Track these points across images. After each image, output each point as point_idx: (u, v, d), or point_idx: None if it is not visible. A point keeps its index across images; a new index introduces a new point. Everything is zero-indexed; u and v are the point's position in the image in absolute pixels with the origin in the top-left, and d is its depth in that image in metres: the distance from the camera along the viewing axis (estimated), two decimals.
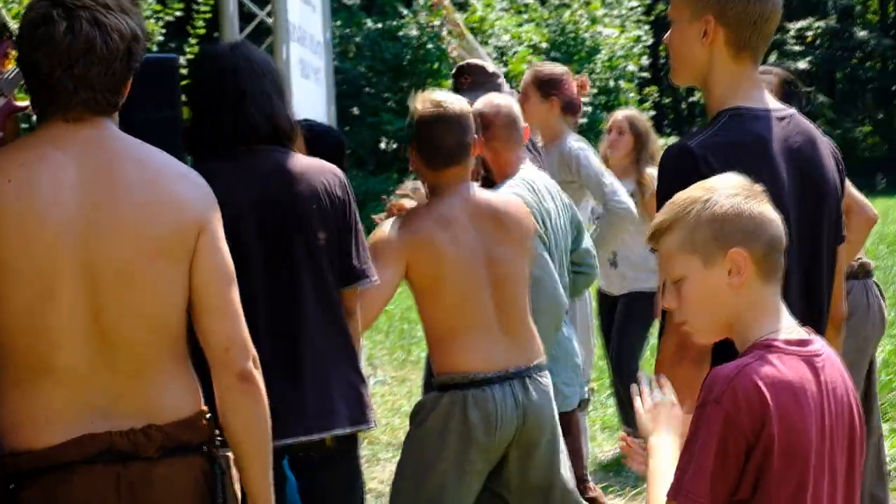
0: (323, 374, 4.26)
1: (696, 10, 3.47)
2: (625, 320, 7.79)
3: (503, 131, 5.55)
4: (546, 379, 4.91)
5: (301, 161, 4.31)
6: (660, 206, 3.14)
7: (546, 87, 6.84)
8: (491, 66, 6.79)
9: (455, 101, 4.89)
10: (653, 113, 21.04)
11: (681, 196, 2.98)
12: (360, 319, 4.54)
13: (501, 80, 6.78)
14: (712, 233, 2.91)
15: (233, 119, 4.22)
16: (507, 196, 5.14)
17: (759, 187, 2.94)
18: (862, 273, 6.10)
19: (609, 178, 6.72)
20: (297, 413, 4.16)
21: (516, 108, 5.70)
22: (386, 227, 4.81)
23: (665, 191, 3.18)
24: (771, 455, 2.76)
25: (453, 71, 7.09)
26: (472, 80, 6.66)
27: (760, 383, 2.78)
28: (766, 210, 2.91)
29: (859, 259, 6.03)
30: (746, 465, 2.78)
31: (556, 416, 4.97)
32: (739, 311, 2.94)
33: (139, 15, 3.35)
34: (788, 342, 2.89)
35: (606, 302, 7.98)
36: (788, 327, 2.94)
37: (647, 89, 21.04)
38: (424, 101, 4.86)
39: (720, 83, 3.50)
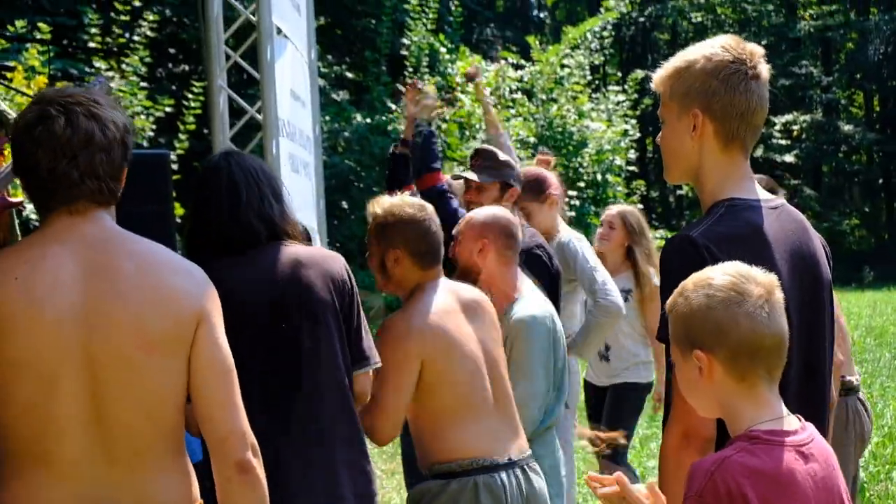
0: (332, 460, 4.30)
1: (683, 105, 3.54)
2: (615, 410, 7.81)
3: (502, 241, 5.61)
4: (538, 469, 4.96)
5: (305, 251, 4.40)
6: (664, 296, 3.20)
7: (537, 190, 6.92)
8: (503, 156, 6.83)
9: (427, 205, 4.99)
10: (640, 206, 21.13)
11: (682, 284, 3.05)
12: (381, 429, 4.66)
13: (516, 171, 6.80)
14: (683, 330, 3.01)
15: (234, 227, 4.33)
16: (471, 287, 5.20)
17: (756, 289, 2.96)
18: (843, 391, 6.13)
19: (602, 276, 6.77)
20: (305, 496, 4.21)
21: (514, 224, 5.73)
22: (390, 338, 4.79)
23: (671, 282, 3.21)
24: None
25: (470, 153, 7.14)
26: (481, 163, 6.75)
27: (740, 475, 2.82)
28: (739, 314, 2.93)
29: (843, 377, 6.08)
30: None
31: None
32: (722, 401, 3.00)
33: (124, 111, 3.48)
34: (773, 432, 2.92)
35: (594, 393, 8.00)
36: (777, 418, 2.97)
37: (634, 183, 21.08)
38: (405, 205, 4.92)
39: (712, 176, 3.55)
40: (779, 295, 3.00)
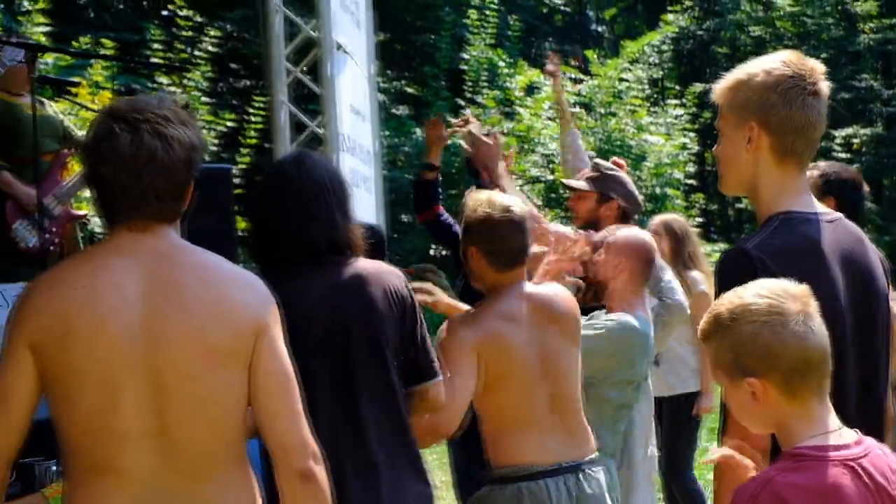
0: (394, 474, 4.31)
1: (740, 118, 3.53)
2: (673, 426, 7.79)
3: (638, 267, 5.69)
4: (600, 473, 4.94)
5: (365, 266, 4.39)
6: None
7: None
8: (610, 169, 6.86)
9: (520, 205, 4.98)
10: (700, 219, 21.03)
11: (716, 307, 3.03)
12: (445, 421, 4.66)
13: (621, 184, 6.81)
14: (731, 358, 2.98)
15: (296, 239, 4.32)
16: (555, 288, 5.19)
17: (793, 304, 2.94)
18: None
19: (668, 275, 6.76)
20: None
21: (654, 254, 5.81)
22: (451, 328, 4.85)
23: (724, 292, 3.18)
24: None
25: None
26: (587, 172, 6.84)
27: (784, 493, 2.82)
28: (785, 335, 2.90)
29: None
30: None
31: None
32: (775, 420, 2.98)
33: (196, 126, 3.47)
34: (818, 448, 2.91)
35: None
36: (825, 432, 2.94)
37: (693, 196, 20.97)
38: (491, 203, 4.92)
39: (767, 189, 3.53)
40: (814, 304, 2.97)
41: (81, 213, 7.98)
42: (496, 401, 4.81)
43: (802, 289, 2.98)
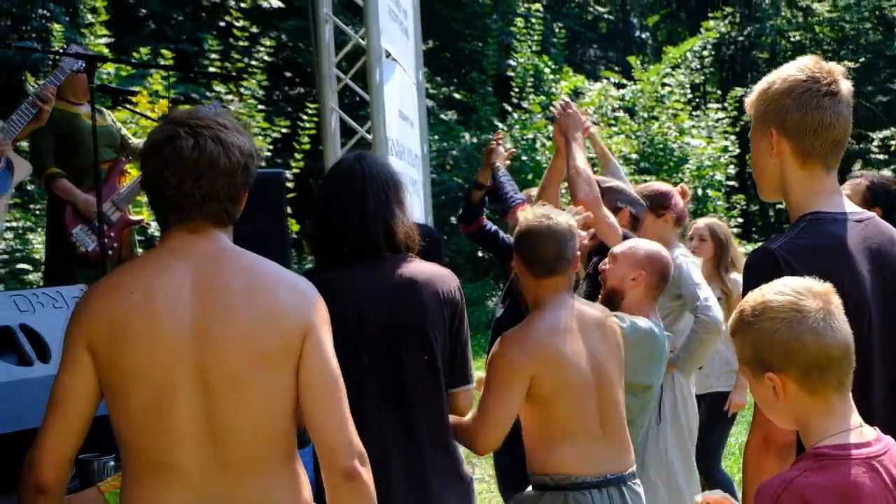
0: (435, 473, 4.32)
1: (762, 126, 3.56)
2: (709, 421, 7.75)
3: (655, 280, 5.65)
4: (639, 486, 4.93)
5: (422, 268, 4.39)
6: None
7: (655, 207, 6.89)
8: (607, 182, 6.83)
9: (561, 216, 4.94)
10: (741, 220, 20.93)
11: (741, 304, 3.03)
12: (483, 440, 4.63)
13: (625, 193, 6.78)
14: (752, 354, 2.97)
15: (357, 237, 4.33)
16: (600, 307, 5.16)
17: (813, 302, 2.91)
18: None
19: (705, 293, 6.69)
20: None
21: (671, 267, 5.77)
22: (505, 350, 4.77)
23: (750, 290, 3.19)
24: None
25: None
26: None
27: (806, 494, 2.79)
28: (803, 332, 2.88)
29: None
30: None
31: None
32: (796, 416, 2.96)
33: (250, 136, 3.49)
34: (839, 447, 2.88)
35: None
36: (846, 430, 2.91)
37: (734, 197, 20.89)
38: (533, 213, 4.91)
39: (795, 191, 3.54)
40: (836, 301, 2.95)
41: (138, 218, 8.02)
42: (548, 413, 4.75)
43: (825, 287, 2.96)
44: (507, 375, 4.67)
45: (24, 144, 8.21)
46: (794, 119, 3.48)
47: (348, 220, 4.35)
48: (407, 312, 4.29)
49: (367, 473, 3.36)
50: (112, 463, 3.85)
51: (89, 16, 15.57)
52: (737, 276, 7.72)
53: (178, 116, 3.42)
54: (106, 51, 14.89)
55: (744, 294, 3.27)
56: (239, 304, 3.30)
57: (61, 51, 8.21)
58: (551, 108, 6.46)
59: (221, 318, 3.28)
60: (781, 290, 2.96)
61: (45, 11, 17.52)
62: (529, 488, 4.87)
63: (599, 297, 5.40)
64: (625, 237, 5.96)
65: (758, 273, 3.32)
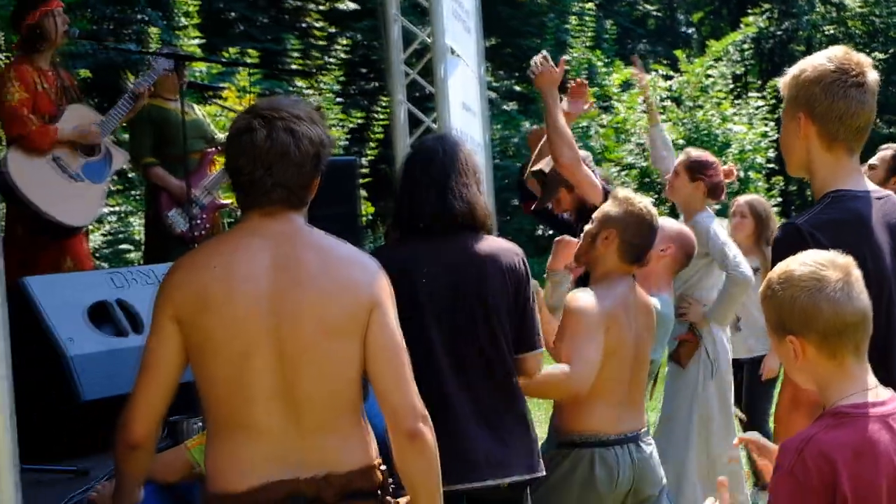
0: (502, 428, 4.34)
1: (792, 109, 3.54)
2: (753, 385, 7.70)
3: (681, 256, 5.75)
4: (652, 443, 4.97)
5: (491, 243, 4.40)
6: None
7: (693, 170, 6.82)
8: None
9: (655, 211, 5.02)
10: (780, 200, 20.77)
11: (770, 274, 3.01)
12: (577, 380, 4.63)
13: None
14: (775, 319, 2.97)
15: (435, 212, 4.33)
16: (650, 297, 5.18)
17: (833, 273, 2.90)
18: None
19: (733, 250, 6.66)
20: (484, 460, 4.27)
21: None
22: (579, 300, 4.80)
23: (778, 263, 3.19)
24: None
25: None
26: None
27: (827, 449, 2.77)
28: (821, 300, 2.87)
29: None
30: None
31: (664, 476, 4.99)
32: (815, 377, 2.95)
33: (325, 125, 3.48)
34: (857, 405, 2.86)
35: (734, 367, 7.90)
36: (865, 391, 2.90)
37: (773, 178, 20.71)
38: (647, 205, 4.95)
39: (820, 171, 3.53)
40: (857, 273, 2.93)
41: (226, 202, 8.07)
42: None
43: (846, 259, 2.94)
44: (590, 322, 4.69)
45: (124, 136, 8.28)
46: (822, 106, 3.46)
47: (428, 197, 4.34)
48: (472, 282, 4.29)
49: (429, 433, 3.37)
50: (199, 424, 3.88)
51: (183, 19, 15.69)
52: None
53: (256, 107, 3.44)
54: (198, 51, 14.99)
55: (772, 263, 3.26)
56: (311, 280, 3.32)
57: (155, 51, 8.26)
58: (531, 64, 6.20)
59: (295, 291, 3.30)
60: (805, 261, 2.95)
61: (143, 16, 17.63)
62: (558, 448, 4.89)
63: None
64: (605, 193, 5.93)
65: (785, 245, 3.32)
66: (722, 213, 8.66)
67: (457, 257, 4.32)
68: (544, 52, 6.19)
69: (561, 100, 6.25)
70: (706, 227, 6.66)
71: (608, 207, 4.94)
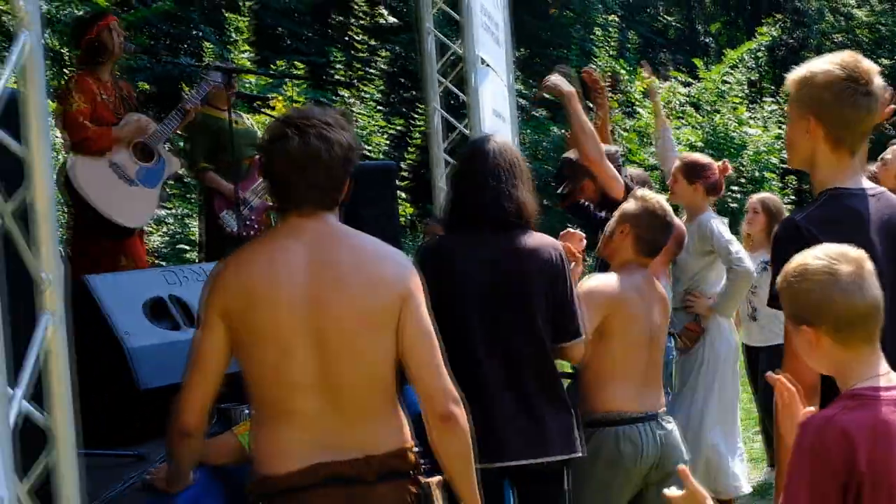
0: (541, 410, 4.37)
1: (801, 111, 3.52)
2: (770, 370, 7.67)
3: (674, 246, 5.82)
4: (672, 423, 4.98)
5: (533, 238, 4.43)
6: (775, 269, 3.21)
7: (690, 174, 6.82)
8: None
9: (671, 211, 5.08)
10: (793, 197, 20.65)
11: (785, 267, 2.99)
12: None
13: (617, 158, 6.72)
14: (791, 309, 2.97)
15: (491, 207, 4.37)
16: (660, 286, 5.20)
17: (846, 266, 2.88)
18: None
19: (736, 247, 6.69)
20: (521, 439, 4.31)
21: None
22: (583, 284, 4.87)
23: (778, 256, 3.26)
24: (863, 489, 2.72)
25: None
26: None
27: (844, 429, 2.75)
28: (834, 292, 2.85)
29: None
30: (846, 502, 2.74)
31: (685, 452, 4.99)
32: (831, 364, 2.93)
33: (353, 130, 3.50)
34: (871, 388, 2.84)
35: (750, 353, 7.88)
36: (878, 376, 2.88)
37: (787, 177, 20.61)
38: (661, 203, 5.01)
39: (822, 169, 3.52)
40: (869, 266, 2.91)
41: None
42: (607, 351, 4.81)
43: (859, 253, 2.92)
44: (588, 303, 4.71)
45: (181, 143, 8.32)
46: (832, 112, 3.45)
47: (480, 194, 4.37)
48: (513, 276, 4.32)
49: (462, 415, 3.39)
50: (247, 411, 3.89)
51: (234, 34, 15.71)
52: None
53: (290, 116, 3.47)
54: (248, 64, 15.01)
55: (771, 256, 3.38)
56: (347, 275, 3.33)
57: (207, 64, 8.29)
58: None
59: (332, 286, 3.31)
60: (819, 255, 2.93)
61: (198, 32, 17.70)
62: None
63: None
64: (627, 188, 5.93)
65: (783, 239, 3.38)
66: (722, 212, 8.68)
67: (500, 250, 4.35)
68: (563, 68, 6.24)
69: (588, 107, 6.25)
70: (710, 226, 6.68)
71: (625, 205, 5.01)
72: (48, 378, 2.70)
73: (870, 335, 2.90)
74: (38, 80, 2.71)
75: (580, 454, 4.46)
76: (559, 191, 6.86)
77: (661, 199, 5.05)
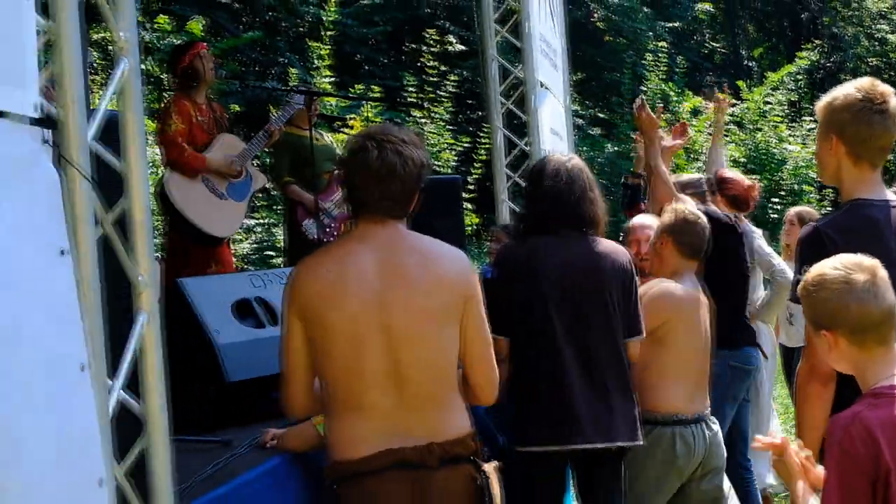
0: (611, 400, 4.38)
1: (825, 131, 3.60)
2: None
3: None
4: (717, 424, 4.93)
5: (605, 245, 4.48)
6: (798, 268, 3.30)
7: (714, 185, 6.65)
8: (690, 177, 6.72)
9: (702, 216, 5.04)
10: (830, 209, 20.42)
11: (806, 276, 2.99)
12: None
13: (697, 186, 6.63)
14: (811, 316, 2.97)
15: (572, 216, 4.44)
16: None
17: (860, 275, 2.87)
18: None
19: (777, 259, 6.64)
20: (593, 425, 4.32)
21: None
22: (659, 286, 4.84)
23: (800, 257, 3.39)
24: (889, 479, 2.70)
25: None
26: None
27: (870, 425, 2.73)
28: (850, 300, 2.84)
29: None
30: (875, 496, 2.71)
31: (725, 450, 4.95)
32: (850, 365, 2.92)
33: (424, 148, 3.51)
34: (892, 387, 2.82)
35: (787, 354, 7.79)
36: (893, 375, 2.85)
37: (824, 190, 20.37)
38: (686, 210, 4.98)
39: (846, 182, 3.59)
40: (882, 274, 2.89)
41: None
42: (664, 353, 4.76)
43: (873, 262, 2.91)
44: (651, 308, 4.68)
45: (266, 160, 8.38)
46: (850, 130, 3.51)
47: (558, 203, 4.43)
48: (591, 277, 4.37)
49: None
50: None
51: (316, 61, 15.80)
52: None
53: (369, 132, 3.47)
54: (329, 87, 15.09)
55: (795, 259, 3.44)
56: (414, 276, 3.34)
57: (291, 88, 8.35)
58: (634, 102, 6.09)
59: (399, 288, 3.32)
60: (836, 265, 2.92)
61: (283, 59, 17.83)
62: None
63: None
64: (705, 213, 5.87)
65: (805, 243, 3.47)
66: (762, 223, 8.58)
67: (578, 253, 4.40)
68: (642, 97, 6.20)
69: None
70: (750, 239, 6.58)
71: (661, 218, 5.01)
72: (143, 370, 2.74)
73: (884, 338, 2.89)
74: (136, 102, 2.75)
75: (641, 443, 4.47)
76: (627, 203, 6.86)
77: (691, 207, 5.05)
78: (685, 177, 6.73)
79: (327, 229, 7.62)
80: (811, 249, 3.25)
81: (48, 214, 2.19)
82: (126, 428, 2.68)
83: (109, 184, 2.70)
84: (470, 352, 3.43)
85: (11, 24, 2.12)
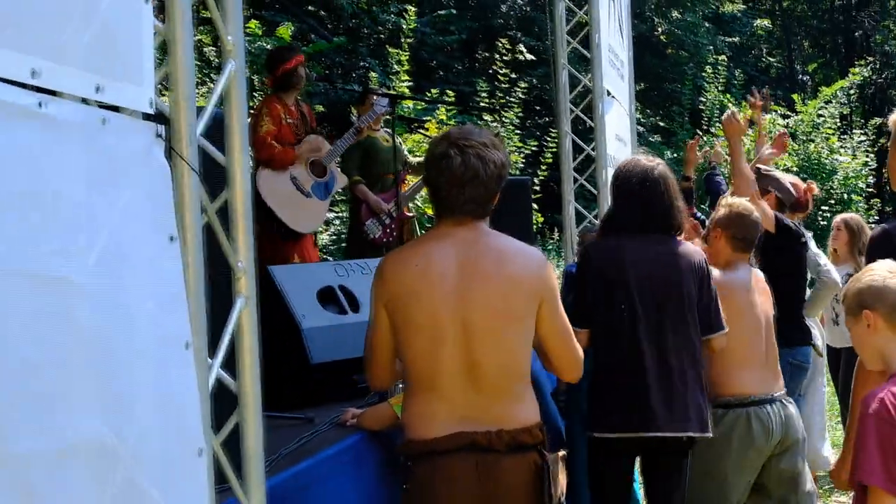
0: (685, 392, 4.35)
1: (893, 142, 3.67)
2: (849, 370, 7.46)
3: None
4: (793, 404, 4.87)
5: (682, 245, 4.47)
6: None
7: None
8: (771, 171, 6.67)
9: (748, 209, 4.98)
10: (877, 218, 20.14)
11: (857, 275, 3.18)
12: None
13: (775, 180, 6.56)
14: (856, 300, 3.12)
15: (659, 217, 4.45)
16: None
17: None
18: None
19: (823, 259, 6.65)
20: (668, 415, 4.30)
21: None
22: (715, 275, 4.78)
23: (869, 256, 3.48)
24: None
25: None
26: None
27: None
28: (891, 283, 3.05)
29: None
30: None
31: (803, 429, 4.88)
32: (882, 348, 3.06)
33: (505, 150, 3.49)
34: None
35: (834, 354, 7.68)
36: None
37: (872, 200, 20.08)
38: (740, 204, 4.96)
39: None
40: None
41: (410, 214, 8.10)
42: (730, 342, 4.66)
43: None
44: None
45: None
46: None
47: (643, 205, 4.43)
48: (671, 274, 4.36)
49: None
50: (400, 385, 3.92)
51: (396, 66, 15.84)
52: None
53: (451, 136, 3.43)
54: (407, 91, 15.12)
55: (866, 255, 3.56)
56: (491, 273, 3.33)
57: (373, 89, 8.36)
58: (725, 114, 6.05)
59: (478, 283, 3.32)
60: (884, 264, 3.15)
61: (365, 64, 17.89)
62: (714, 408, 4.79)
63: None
64: (777, 220, 5.82)
65: (876, 243, 3.56)
66: (812, 228, 8.44)
67: (661, 252, 4.39)
68: (733, 109, 6.19)
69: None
70: None
71: (715, 212, 5.03)
72: (240, 351, 2.76)
73: None
74: (241, 103, 2.77)
75: (710, 435, 4.42)
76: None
77: (743, 201, 5.00)
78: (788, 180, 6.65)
79: (388, 230, 7.61)
80: (880, 245, 3.36)
81: (160, 203, 2.22)
82: (222, 403, 2.71)
83: (213, 176, 2.73)
84: (549, 343, 3.45)
85: (132, 25, 2.14)
